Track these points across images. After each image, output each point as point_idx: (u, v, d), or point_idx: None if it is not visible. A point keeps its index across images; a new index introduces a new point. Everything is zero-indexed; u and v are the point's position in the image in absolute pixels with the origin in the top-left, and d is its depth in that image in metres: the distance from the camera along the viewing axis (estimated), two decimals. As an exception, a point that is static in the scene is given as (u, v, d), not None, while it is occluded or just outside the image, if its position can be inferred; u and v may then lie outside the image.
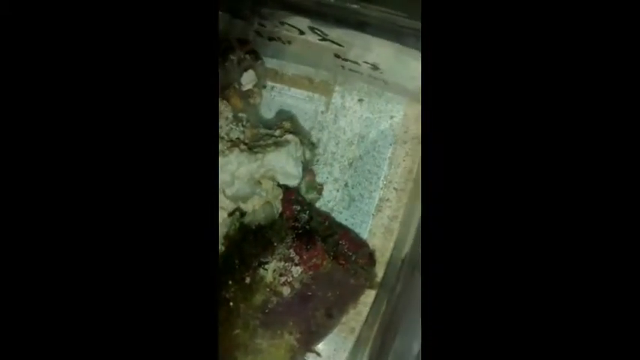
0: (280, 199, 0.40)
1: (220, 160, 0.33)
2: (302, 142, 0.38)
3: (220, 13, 0.38)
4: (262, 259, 0.37)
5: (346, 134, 0.46)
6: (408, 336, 0.36)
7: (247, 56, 0.38)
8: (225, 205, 0.36)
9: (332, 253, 0.39)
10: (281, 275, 0.36)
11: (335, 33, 0.34)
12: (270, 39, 0.40)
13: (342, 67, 0.41)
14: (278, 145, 0.35)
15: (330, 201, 0.46)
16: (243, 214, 0.40)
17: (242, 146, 0.34)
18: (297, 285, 0.36)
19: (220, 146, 0.33)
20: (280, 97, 0.46)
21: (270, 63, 0.45)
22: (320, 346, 0.43)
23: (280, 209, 0.41)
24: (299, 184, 0.39)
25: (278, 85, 0.46)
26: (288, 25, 0.35)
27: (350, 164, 0.45)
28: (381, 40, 0.33)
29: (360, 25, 0.33)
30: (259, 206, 0.38)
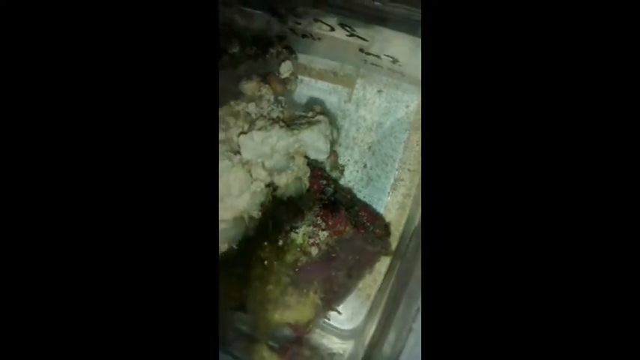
0: (308, 176, 0.45)
1: (262, 134, 0.38)
2: (330, 123, 0.42)
3: (260, 12, 0.43)
4: (293, 224, 0.41)
5: (366, 121, 0.50)
6: (412, 298, 0.39)
7: (284, 50, 0.43)
8: (262, 177, 0.40)
9: (353, 222, 0.43)
10: (310, 238, 0.40)
11: (361, 29, 0.39)
12: (303, 36, 0.45)
13: (365, 61, 0.46)
14: (311, 124, 0.40)
15: (350, 180, 0.50)
16: (275, 188, 0.44)
17: (281, 123, 0.38)
18: (323, 247, 0.40)
19: (263, 123, 0.38)
20: (308, 89, 0.51)
21: (301, 58, 0.50)
22: (340, 309, 0.47)
23: (308, 185, 0.45)
24: (327, 159, 0.43)
25: (306, 78, 0.51)
26: (321, 22, 0.40)
27: (369, 148, 0.49)
28: (400, 33, 0.37)
29: (383, 20, 0.37)
30: (291, 181, 0.42)
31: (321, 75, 0.51)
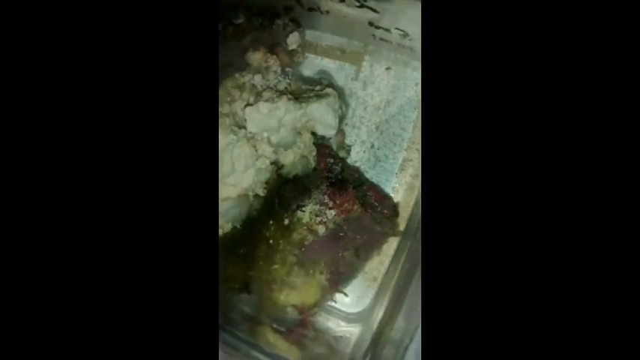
0: (314, 155, 0.43)
1: (269, 106, 0.36)
2: (339, 97, 0.40)
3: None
4: (300, 203, 0.39)
5: (374, 100, 0.48)
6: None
7: (290, 23, 0.41)
8: (267, 153, 0.39)
9: (361, 202, 0.41)
10: (317, 216, 0.39)
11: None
12: (310, 9, 0.43)
13: (374, 36, 0.44)
14: (319, 97, 0.38)
15: (357, 161, 0.48)
16: (281, 166, 0.42)
17: (289, 95, 0.36)
18: (330, 225, 0.39)
19: (269, 94, 0.36)
20: (314, 67, 0.49)
21: (307, 35, 0.48)
22: (346, 292, 0.46)
23: (314, 164, 0.43)
24: (335, 135, 0.41)
25: (312, 55, 0.49)
26: (331, -9, 0.38)
27: (376, 127, 0.48)
28: (415, 2, 0.35)
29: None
30: (297, 159, 0.41)
31: (327, 52, 0.49)
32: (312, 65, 0.49)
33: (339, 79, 0.49)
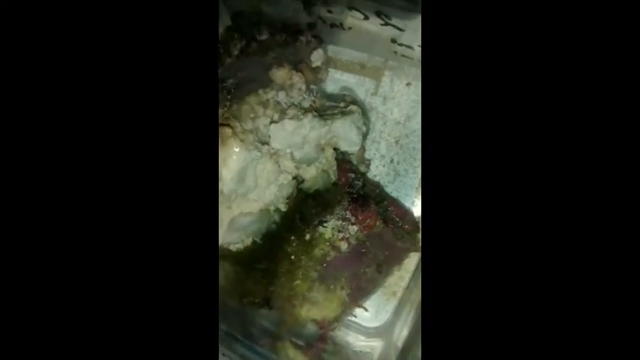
0: (334, 169, 0.43)
1: (294, 123, 0.36)
2: (362, 114, 0.40)
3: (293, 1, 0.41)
4: (322, 218, 0.39)
5: (393, 114, 0.48)
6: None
7: (313, 39, 0.41)
8: (289, 169, 0.39)
9: (382, 217, 0.41)
10: (339, 232, 0.38)
11: (397, 17, 0.37)
12: (332, 25, 0.43)
13: (395, 52, 0.44)
14: (344, 114, 0.38)
15: (376, 175, 0.48)
16: (302, 180, 0.42)
17: (314, 113, 0.36)
18: (353, 241, 0.38)
19: (294, 112, 0.36)
20: (333, 82, 0.49)
21: (328, 50, 0.48)
22: (365, 306, 0.45)
23: (334, 178, 0.43)
24: (357, 151, 0.41)
25: (332, 70, 0.49)
26: (355, 9, 0.38)
27: (396, 142, 0.47)
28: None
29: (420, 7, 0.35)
30: (318, 174, 0.40)
31: (347, 67, 0.49)
32: (332, 80, 0.48)
33: (360, 93, 0.48)
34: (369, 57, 0.48)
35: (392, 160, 0.48)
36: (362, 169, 0.46)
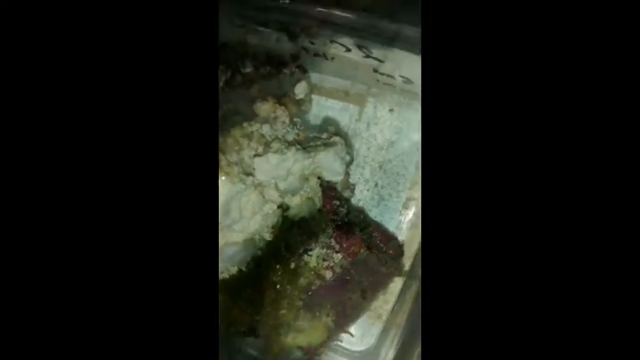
0: (319, 195, 0.43)
1: (278, 157, 0.36)
2: (345, 144, 0.41)
3: (274, 31, 0.42)
4: (307, 247, 0.39)
5: (377, 140, 0.48)
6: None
7: (297, 70, 0.41)
8: (274, 198, 0.39)
9: (367, 243, 0.41)
10: (324, 260, 0.39)
11: (378, 50, 0.38)
12: (316, 55, 0.43)
13: (378, 80, 0.45)
14: (327, 145, 0.38)
15: (361, 199, 0.48)
16: (287, 208, 0.42)
17: (297, 146, 0.37)
18: (337, 269, 0.39)
19: (278, 145, 0.37)
20: (318, 108, 0.49)
21: (312, 77, 0.49)
22: (351, 330, 0.46)
23: (319, 204, 0.43)
24: (341, 180, 0.41)
25: (316, 97, 0.50)
26: (337, 42, 0.39)
27: (380, 167, 0.48)
28: (415, 56, 0.36)
29: (399, 42, 0.36)
30: (303, 201, 0.41)
31: (331, 93, 0.49)
32: (316, 106, 0.49)
33: (343, 119, 0.49)
34: (353, 84, 0.48)
35: (376, 185, 0.48)
36: (346, 194, 0.46)
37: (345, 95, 0.49)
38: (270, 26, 0.42)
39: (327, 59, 0.44)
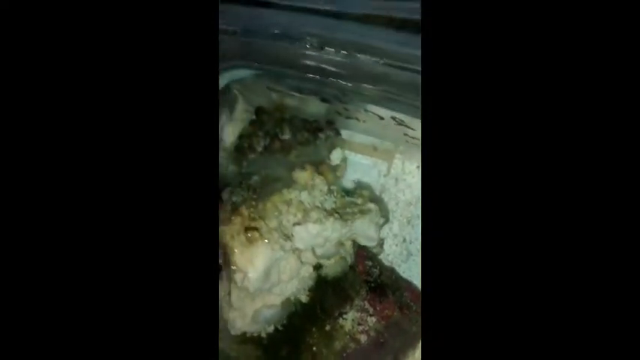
0: (351, 253, 0.44)
1: (318, 227, 0.37)
2: (380, 210, 0.42)
3: (311, 97, 0.43)
4: (342, 310, 0.40)
5: (405, 195, 0.50)
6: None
7: (331, 133, 0.43)
8: (310, 260, 0.40)
9: (399, 304, 0.42)
10: (359, 324, 0.40)
11: (412, 119, 0.39)
12: (348, 117, 0.45)
13: (407, 141, 0.46)
14: (363, 212, 0.39)
15: (389, 254, 0.49)
16: (319, 266, 0.43)
17: (335, 215, 0.38)
18: (372, 333, 0.40)
19: (317, 215, 0.38)
20: (348, 162, 0.51)
21: (342, 133, 0.50)
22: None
23: (351, 262, 0.44)
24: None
25: (346, 151, 0.51)
26: (371, 112, 0.40)
27: (408, 222, 0.49)
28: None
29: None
30: (336, 261, 0.42)
31: (360, 149, 0.51)
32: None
33: (372, 175, 0.50)
34: (381, 141, 0.50)
35: (404, 240, 0.49)
36: (376, 250, 0.47)
37: (373, 150, 0.51)
38: (305, 92, 0.43)
39: (359, 121, 0.45)
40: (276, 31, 0.38)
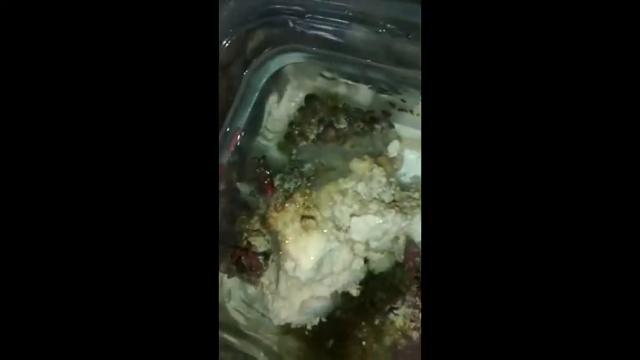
0: (401, 249, 0.43)
1: (377, 219, 0.36)
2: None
3: (368, 88, 0.42)
4: (392, 305, 0.39)
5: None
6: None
7: (386, 125, 0.42)
8: (361, 253, 0.39)
9: (449, 303, 0.41)
10: (411, 321, 0.38)
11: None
12: (400, 109, 0.44)
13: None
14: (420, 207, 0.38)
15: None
16: (366, 260, 0.42)
17: (397, 208, 0.37)
18: (424, 331, 0.38)
19: (377, 207, 0.37)
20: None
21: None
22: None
23: (398, 259, 0.43)
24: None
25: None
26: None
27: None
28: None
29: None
30: (385, 256, 0.41)
31: (411, 144, 0.50)
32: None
33: (418, 169, 0.49)
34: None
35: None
36: (422, 246, 0.46)
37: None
38: (361, 81, 0.42)
39: (411, 113, 0.44)
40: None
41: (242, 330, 0.47)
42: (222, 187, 0.47)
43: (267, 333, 0.46)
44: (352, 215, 0.37)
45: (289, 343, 0.43)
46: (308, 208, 0.37)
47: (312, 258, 0.37)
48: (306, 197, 0.38)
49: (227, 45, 0.40)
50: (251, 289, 0.47)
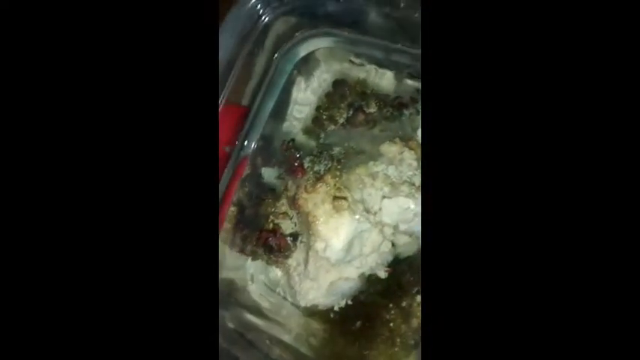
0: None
1: (409, 201, 0.37)
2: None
3: (393, 73, 0.43)
4: (419, 287, 0.39)
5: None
6: None
7: (413, 111, 0.42)
8: (389, 236, 0.39)
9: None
10: (438, 303, 0.39)
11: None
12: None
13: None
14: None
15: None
16: (393, 244, 0.43)
17: (426, 191, 0.37)
18: (451, 313, 0.39)
19: (408, 189, 0.37)
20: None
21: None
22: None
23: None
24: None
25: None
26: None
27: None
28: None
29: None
30: (411, 239, 0.41)
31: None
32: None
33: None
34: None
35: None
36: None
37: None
38: (389, 67, 0.42)
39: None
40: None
41: (265, 313, 0.48)
42: (247, 172, 0.47)
43: (291, 316, 0.46)
44: (384, 197, 0.37)
45: (314, 325, 0.43)
46: (339, 189, 0.38)
47: (342, 238, 0.37)
48: (337, 179, 0.38)
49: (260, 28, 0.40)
50: (272, 274, 0.47)
